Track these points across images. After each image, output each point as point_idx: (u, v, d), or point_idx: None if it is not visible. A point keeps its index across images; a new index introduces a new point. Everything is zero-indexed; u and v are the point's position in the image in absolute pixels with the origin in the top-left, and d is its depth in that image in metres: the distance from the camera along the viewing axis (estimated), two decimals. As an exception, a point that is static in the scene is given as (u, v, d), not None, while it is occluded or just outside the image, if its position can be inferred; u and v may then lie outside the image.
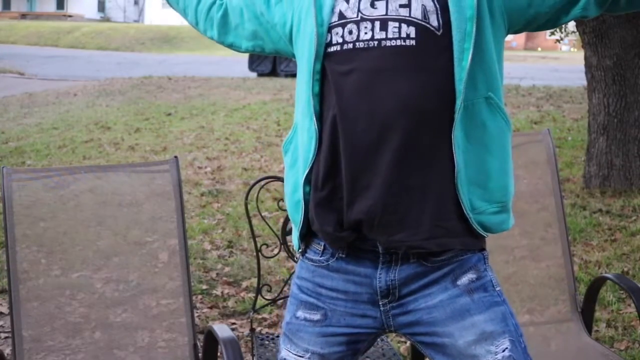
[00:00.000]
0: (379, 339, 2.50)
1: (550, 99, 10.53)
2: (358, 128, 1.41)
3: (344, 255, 1.49)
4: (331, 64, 1.45)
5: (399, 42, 1.41)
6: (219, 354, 2.08)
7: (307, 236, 1.54)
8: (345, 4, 1.47)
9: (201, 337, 2.46)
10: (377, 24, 1.43)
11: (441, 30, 1.41)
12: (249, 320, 2.57)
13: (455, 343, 1.45)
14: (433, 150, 1.41)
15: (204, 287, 3.94)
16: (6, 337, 3.22)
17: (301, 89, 1.51)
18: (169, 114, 9.78)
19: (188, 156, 7.22)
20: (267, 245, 2.62)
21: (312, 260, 1.54)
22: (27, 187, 2.29)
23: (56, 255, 2.31)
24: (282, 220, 2.51)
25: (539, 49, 35.51)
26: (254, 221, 2.83)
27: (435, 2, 1.43)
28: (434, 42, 1.41)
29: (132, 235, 2.37)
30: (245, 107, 10.26)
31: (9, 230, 2.21)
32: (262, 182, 2.47)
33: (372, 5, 1.44)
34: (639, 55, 5.44)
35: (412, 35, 1.41)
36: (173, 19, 40.96)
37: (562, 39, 10.25)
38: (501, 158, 1.47)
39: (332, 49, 1.45)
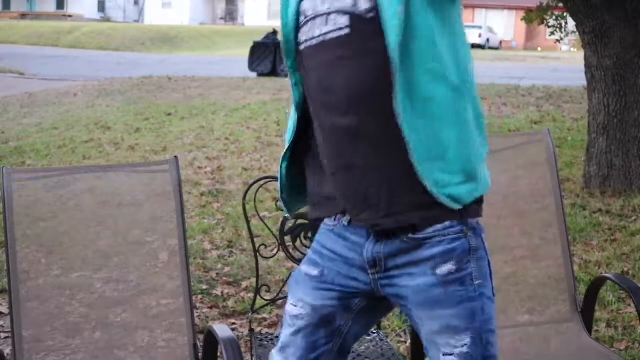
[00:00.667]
0: (378, 339, 2.50)
1: (550, 99, 10.54)
2: (322, 118, 1.54)
3: (346, 224, 1.59)
4: (302, 61, 1.57)
5: (336, 34, 1.49)
6: (219, 354, 2.08)
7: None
8: (307, 1, 1.56)
9: (201, 337, 2.46)
10: (323, 19, 1.51)
11: (372, 13, 1.45)
12: (249, 320, 2.57)
13: (424, 326, 1.56)
14: (385, 132, 1.46)
15: (204, 287, 3.94)
16: (6, 337, 3.22)
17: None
18: (169, 114, 9.78)
19: (188, 156, 7.23)
20: (266, 246, 2.62)
21: (326, 224, 1.65)
22: (27, 187, 2.29)
23: (56, 255, 2.31)
24: (281, 220, 2.50)
25: (539, 49, 35.53)
26: (254, 221, 2.83)
27: None
28: (366, 26, 1.46)
29: (132, 235, 2.37)
30: (245, 107, 10.27)
31: (9, 230, 2.21)
32: (261, 182, 2.47)
33: (322, 2, 1.53)
34: (639, 55, 5.44)
35: (346, 23, 1.48)
36: (173, 19, 41.02)
37: (562, 39, 10.26)
38: (457, 127, 1.48)
39: (301, 47, 1.57)
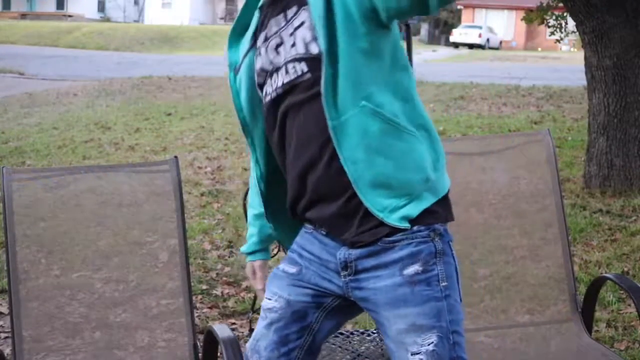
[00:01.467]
0: (378, 339, 2.50)
1: (550, 99, 10.54)
2: (287, 164, 1.63)
3: (324, 233, 1.65)
4: (266, 116, 1.66)
5: (299, 80, 1.55)
6: (219, 354, 2.08)
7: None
8: (261, 58, 1.64)
9: (201, 337, 2.46)
10: (283, 70, 1.58)
11: (326, 52, 1.50)
12: (249, 320, 2.57)
13: (390, 327, 1.58)
14: (331, 167, 1.54)
15: (204, 287, 3.94)
16: (6, 337, 3.22)
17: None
18: (169, 114, 9.78)
19: (188, 156, 7.22)
20: (267, 245, 2.61)
21: (306, 227, 1.71)
22: (27, 187, 2.29)
23: (56, 255, 2.31)
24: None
25: (539, 49, 35.53)
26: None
27: (311, 30, 1.53)
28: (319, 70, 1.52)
29: (132, 235, 2.37)
30: (245, 107, 10.25)
31: (9, 230, 2.21)
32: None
33: (277, 52, 1.60)
34: (639, 55, 5.44)
35: (305, 69, 1.55)
36: (173, 18, 41.01)
37: (562, 39, 10.25)
38: (395, 156, 1.54)
39: (266, 100, 1.64)
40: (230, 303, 3.75)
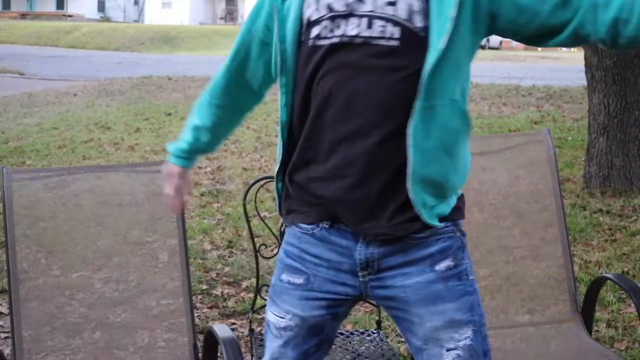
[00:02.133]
0: (378, 339, 2.50)
1: (550, 99, 10.53)
2: (326, 125, 1.46)
3: (327, 226, 1.55)
4: (307, 59, 1.47)
5: (383, 42, 1.42)
6: (219, 354, 2.08)
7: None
8: None
9: (201, 337, 2.46)
10: (364, 20, 1.42)
11: (423, 32, 1.42)
12: (249, 320, 2.57)
13: (423, 325, 1.53)
14: (384, 146, 1.44)
15: (204, 287, 3.94)
16: (6, 337, 3.21)
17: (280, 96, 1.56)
18: (169, 114, 9.78)
19: (188, 156, 7.22)
20: (267, 246, 2.62)
21: (300, 227, 1.59)
22: (27, 187, 2.29)
23: (56, 255, 2.31)
24: (281, 220, 2.50)
25: (539, 49, 35.52)
26: (254, 221, 2.83)
27: (423, 1, 1.42)
28: (417, 44, 1.42)
29: (132, 235, 2.37)
30: (245, 107, 10.25)
31: (9, 230, 2.21)
32: (262, 182, 2.47)
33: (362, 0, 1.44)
34: (639, 55, 5.44)
35: (396, 35, 1.42)
36: (173, 18, 41.01)
37: (562, 39, 10.23)
38: (456, 159, 1.51)
39: (321, 42, 1.46)
40: (230, 303, 3.75)
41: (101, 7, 44.40)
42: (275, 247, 2.51)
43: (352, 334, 2.57)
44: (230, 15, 46.15)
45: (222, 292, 3.88)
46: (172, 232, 2.35)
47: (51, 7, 42.86)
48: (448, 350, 1.52)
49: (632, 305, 2.93)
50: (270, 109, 9.99)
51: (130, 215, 2.38)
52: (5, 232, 2.21)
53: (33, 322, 2.22)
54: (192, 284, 2.68)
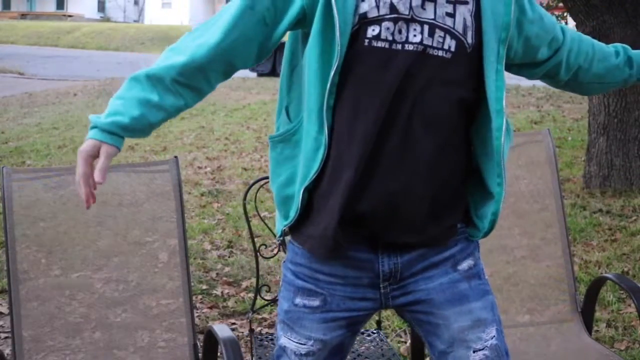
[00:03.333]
0: (378, 339, 2.50)
1: (550, 99, 10.53)
2: (370, 133, 1.38)
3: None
4: (365, 61, 1.38)
5: (440, 53, 1.39)
6: (219, 354, 2.08)
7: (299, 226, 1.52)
8: None
9: (201, 337, 2.46)
10: (426, 28, 1.38)
11: (471, 49, 1.43)
12: (249, 320, 2.57)
13: (450, 326, 1.50)
14: (445, 159, 1.44)
15: (204, 287, 3.94)
16: (6, 337, 3.22)
17: (312, 94, 1.41)
18: (169, 114, 9.77)
19: (188, 156, 7.22)
20: (267, 246, 2.62)
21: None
22: (27, 187, 2.29)
23: (56, 255, 2.31)
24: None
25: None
26: (254, 221, 2.83)
27: (473, 19, 1.42)
28: (465, 59, 1.42)
29: (132, 235, 2.37)
30: (245, 107, 10.27)
31: (9, 230, 2.21)
32: (262, 182, 2.47)
33: (422, 5, 1.38)
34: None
35: (452, 49, 1.40)
36: (173, 19, 41.00)
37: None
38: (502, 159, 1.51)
39: (377, 43, 1.37)
40: (230, 303, 3.75)
41: (101, 7, 44.40)
42: (275, 247, 2.51)
43: (352, 334, 2.56)
44: (230, 15, 46.12)
45: (222, 292, 3.88)
46: (172, 232, 2.35)
47: (51, 7, 42.85)
48: (475, 351, 1.49)
49: (632, 305, 2.93)
50: (270, 109, 9.99)
51: (130, 215, 2.38)
52: (5, 232, 2.21)
53: (33, 322, 2.22)
54: (192, 284, 2.68)
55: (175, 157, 2.41)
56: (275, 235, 2.48)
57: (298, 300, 1.53)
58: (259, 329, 3.38)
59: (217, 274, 4.16)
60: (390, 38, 1.37)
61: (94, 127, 1.46)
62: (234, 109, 10.10)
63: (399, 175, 1.40)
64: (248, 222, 2.55)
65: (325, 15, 1.36)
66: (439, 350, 1.53)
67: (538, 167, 2.59)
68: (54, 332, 2.24)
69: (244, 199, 2.46)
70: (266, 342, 2.48)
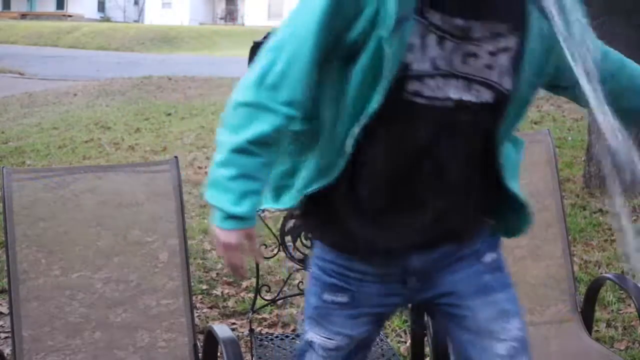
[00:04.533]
0: (378, 339, 2.50)
1: (550, 99, 10.52)
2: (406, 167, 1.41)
3: None
4: (400, 111, 1.36)
5: (476, 107, 1.39)
6: (219, 354, 2.08)
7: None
8: (436, 49, 1.33)
9: (201, 337, 2.46)
10: (466, 83, 1.36)
11: (508, 92, 1.42)
12: (249, 320, 2.57)
13: (475, 317, 1.52)
14: (476, 180, 1.48)
15: (204, 287, 3.94)
16: (6, 337, 3.21)
17: (343, 121, 1.40)
18: (169, 114, 9.78)
19: (188, 156, 7.22)
20: (266, 246, 2.62)
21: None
22: (27, 187, 2.29)
23: (56, 255, 2.31)
24: (281, 220, 2.50)
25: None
26: (254, 221, 2.82)
27: (511, 60, 1.39)
28: (498, 104, 1.42)
29: (132, 235, 2.37)
30: (245, 107, 10.24)
31: (9, 230, 2.21)
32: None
33: (464, 60, 1.35)
34: (639, 55, 5.44)
35: (490, 100, 1.40)
36: (173, 19, 41.01)
37: (562, 39, 10.23)
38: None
39: (416, 99, 1.35)
40: (230, 303, 3.75)
41: (101, 7, 44.40)
42: (275, 247, 2.51)
43: (352, 334, 2.56)
44: (230, 15, 46.14)
45: (222, 292, 3.88)
46: (172, 232, 2.35)
47: (51, 7, 42.85)
48: (500, 341, 1.51)
49: (632, 305, 2.93)
50: (270, 109, 9.99)
51: (130, 215, 2.38)
52: (5, 232, 2.21)
53: (33, 322, 2.22)
54: (192, 284, 2.68)
55: (176, 157, 2.41)
56: (275, 235, 2.49)
57: (326, 296, 1.54)
58: (259, 329, 3.37)
59: (217, 274, 4.16)
60: (429, 94, 1.35)
61: (230, 217, 1.42)
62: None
63: (436, 198, 1.44)
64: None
65: (374, 56, 1.32)
66: (464, 342, 1.53)
67: (538, 167, 2.59)
68: (54, 332, 2.24)
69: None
70: (266, 342, 2.48)
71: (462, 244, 1.53)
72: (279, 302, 2.64)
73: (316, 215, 1.53)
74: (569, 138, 7.55)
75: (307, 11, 1.35)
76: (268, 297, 2.55)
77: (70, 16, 40.11)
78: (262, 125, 1.36)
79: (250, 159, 1.38)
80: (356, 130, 1.37)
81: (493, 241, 1.58)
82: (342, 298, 1.53)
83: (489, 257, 1.56)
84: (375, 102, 1.34)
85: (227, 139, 1.39)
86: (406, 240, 1.47)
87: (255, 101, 1.38)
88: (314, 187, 1.46)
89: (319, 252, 1.57)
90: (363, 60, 1.34)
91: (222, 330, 2.01)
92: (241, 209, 1.40)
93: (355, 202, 1.44)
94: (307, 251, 2.46)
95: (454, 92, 1.36)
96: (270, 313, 3.51)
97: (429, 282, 1.53)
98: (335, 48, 1.36)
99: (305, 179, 1.48)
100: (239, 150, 1.38)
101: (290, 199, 1.51)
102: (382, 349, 2.45)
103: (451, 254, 1.53)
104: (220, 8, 46.93)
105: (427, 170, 1.41)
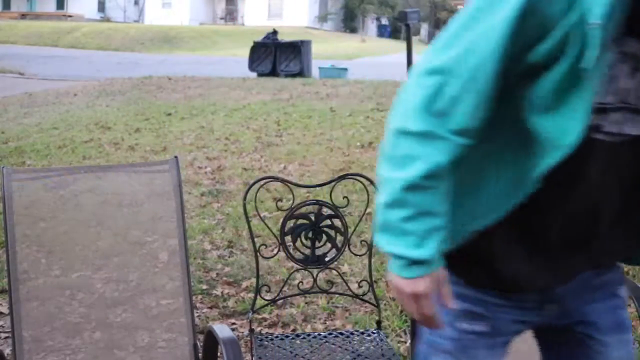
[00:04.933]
0: (378, 339, 2.50)
1: (550, 99, 10.54)
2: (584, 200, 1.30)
3: None
4: (588, 151, 1.22)
5: None
6: (219, 354, 2.08)
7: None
8: (627, 80, 1.18)
9: (201, 337, 2.46)
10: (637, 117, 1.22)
11: None
12: (249, 320, 2.57)
13: (609, 354, 1.42)
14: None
15: (204, 287, 3.94)
16: (6, 337, 3.21)
17: (519, 156, 1.27)
18: (169, 114, 9.78)
19: (188, 156, 7.22)
20: (267, 246, 2.62)
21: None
22: (27, 187, 2.29)
23: (56, 255, 2.31)
24: (281, 220, 2.51)
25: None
26: (254, 221, 2.83)
27: None
28: None
29: (132, 235, 2.37)
30: (245, 107, 10.27)
31: (9, 230, 2.21)
32: (262, 182, 2.47)
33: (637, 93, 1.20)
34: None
35: None
36: (173, 19, 41.02)
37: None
38: None
39: (596, 135, 1.21)
40: (230, 303, 3.75)
41: (101, 7, 44.41)
42: (275, 247, 2.51)
43: (352, 334, 2.56)
44: (230, 15, 46.15)
45: (222, 292, 3.88)
46: (172, 232, 2.35)
47: (51, 7, 42.87)
48: None
49: (632, 305, 2.92)
50: (270, 109, 10.00)
51: (130, 215, 2.38)
52: (5, 232, 2.22)
53: (33, 322, 2.22)
54: (192, 284, 2.68)
55: (175, 157, 2.41)
56: (274, 235, 2.50)
57: (465, 326, 1.40)
58: (259, 329, 3.38)
59: (217, 274, 4.16)
60: (611, 130, 1.21)
61: (413, 262, 1.27)
62: (234, 109, 10.09)
63: (603, 234, 1.35)
64: (248, 222, 2.55)
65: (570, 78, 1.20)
66: None
67: (538, 167, 2.59)
68: (54, 332, 2.24)
69: (244, 199, 2.46)
70: (266, 342, 2.48)
71: (600, 271, 1.43)
72: (279, 302, 2.64)
73: (462, 254, 1.37)
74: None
75: (487, 23, 1.17)
76: (268, 297, 2.55)
77: (70, 16, 40.12)
78: (437, 157, 1.21)
79: (427, 195, 1.23)
80: (552, 163, 1.21)
81: (621, 272, 1.47)
82: (482, 327, 1.40)
83: (623, 291, 1.45)
84: (575, 133, 1.18)
85: (394, 174, 1.23)
86: (568, 278, 1.38)
87: (423, 130, 1.21)
88: (479, 225, 1.30)
89: (449, 275, 1.39)
90: (556, 81, 1.18)
91: (222, 330, 2.01)
92: (425, 251, 1.25)
93: (525, 240, 1.32)
94: (306, 251, 2.47)
95: (630, 127, 1.21)
96: (270, 313, 3.51)
97: (567, 308, 1.42)
98: (516, 65, 1.20)
99: (467, 216, 1.32)
100: (412, 187, 1.22)
101: (438, 242, 1.28)
102: (382, 349, 2.45)
103: (589, 280, 1.42)
104: (220, 8, 46.94)
105: (596, 208, 1.30)
